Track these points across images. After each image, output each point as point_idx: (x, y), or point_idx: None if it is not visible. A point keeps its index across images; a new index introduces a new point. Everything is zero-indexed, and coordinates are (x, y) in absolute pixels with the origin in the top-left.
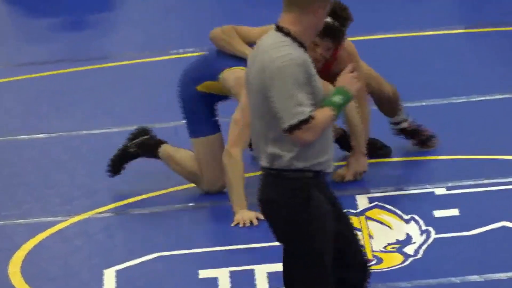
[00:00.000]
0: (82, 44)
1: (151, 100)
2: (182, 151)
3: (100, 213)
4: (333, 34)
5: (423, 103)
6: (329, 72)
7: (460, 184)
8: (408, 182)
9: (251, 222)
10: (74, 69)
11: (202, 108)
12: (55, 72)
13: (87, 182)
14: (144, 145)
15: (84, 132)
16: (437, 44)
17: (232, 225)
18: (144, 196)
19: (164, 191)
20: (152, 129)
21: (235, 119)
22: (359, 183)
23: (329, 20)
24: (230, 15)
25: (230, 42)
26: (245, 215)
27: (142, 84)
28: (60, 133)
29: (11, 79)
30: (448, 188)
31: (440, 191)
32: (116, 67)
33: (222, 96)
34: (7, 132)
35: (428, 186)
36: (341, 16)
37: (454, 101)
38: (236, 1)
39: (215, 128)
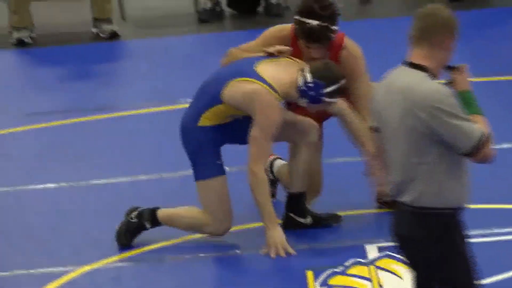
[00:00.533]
0: (89, 94)
1: (158, 149)
2: (181, 207)
3: (109, 263)
4: (317, 37)
5: None
6: None
7: (469, 233)
8: None
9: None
10: (82, 118)
11: (206, 148)
12: (63, 122)
13: (95, 232)
14: (142, 214)
15: (93, 182)
16: None
17: (263, 251)
18: (152, 246)
19: (172, 241)
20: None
21: (253, 136)
22: (369, 232)
23: (312, 22)
24: None
25: (236, 56)
26: (278, 238)
27: (150, 134)
28: (68, 183)
29: (19, 129)
30: None
31: None
32: (124, 117)
33: (229, 123)
34: (15, 183)
35: None
36: (324, 16)
37: None
38: None
39: (221, 169)
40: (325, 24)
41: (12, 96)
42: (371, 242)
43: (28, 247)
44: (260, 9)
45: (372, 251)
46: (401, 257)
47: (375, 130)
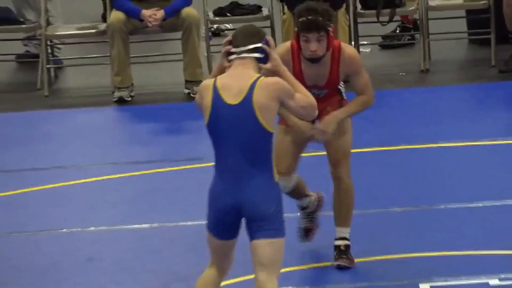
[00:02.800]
0: (181, 147)
1: None
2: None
3: None
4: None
5: (480, 204)
6: (337, 73)
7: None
8: (464, 272)
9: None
10: (174, 168)
11: (281, 202)
12: (157, 171)
13: (182, 269)
14: None
15: (180, 223)
16: (493, 153)
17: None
18: None
19: None
20: None
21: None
22: (422, 272)
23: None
24: None
25: None
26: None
27: None
28: (159, 224)
29: (118, 176)
30: (501, 279)
31: (494, 281)
32: (210, 167)
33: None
34: (112, 223)
35: (483, 277)
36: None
37: (508, 202)
38: None
39: None
40: (323, 15)
41: (113, 147)
42: (424, 281)
43: (122, 279)
44: None
45: None
46: None
47: None
